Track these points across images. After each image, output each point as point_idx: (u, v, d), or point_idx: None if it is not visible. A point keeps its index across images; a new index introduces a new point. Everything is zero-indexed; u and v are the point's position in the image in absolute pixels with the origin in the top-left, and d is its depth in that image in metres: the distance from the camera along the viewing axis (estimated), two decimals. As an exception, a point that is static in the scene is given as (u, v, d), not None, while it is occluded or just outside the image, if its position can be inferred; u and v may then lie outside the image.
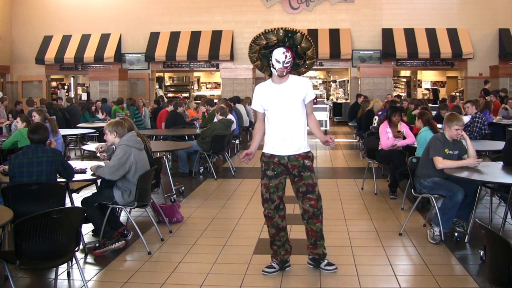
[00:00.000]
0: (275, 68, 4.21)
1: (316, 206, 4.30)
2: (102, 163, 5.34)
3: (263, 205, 4.36)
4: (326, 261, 4.44)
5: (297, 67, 4.41)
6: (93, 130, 11.18)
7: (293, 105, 4.25)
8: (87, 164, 5.50)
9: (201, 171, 9.29)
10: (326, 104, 17.68)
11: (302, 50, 4.28)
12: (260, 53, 4.34)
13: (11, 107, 14.10)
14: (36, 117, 7.72)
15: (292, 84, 4.28)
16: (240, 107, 12.93)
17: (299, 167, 4.26)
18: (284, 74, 4.22)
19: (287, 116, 4.24)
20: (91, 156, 10.33)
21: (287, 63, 4.18)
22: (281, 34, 4.21)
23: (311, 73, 23.40)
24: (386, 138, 7.25)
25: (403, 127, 7.38)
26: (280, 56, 4.17)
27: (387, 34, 19.44)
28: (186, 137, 9.69)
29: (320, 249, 4.43)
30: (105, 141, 5.45)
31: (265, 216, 4.39)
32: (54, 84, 22.67)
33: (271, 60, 4.23)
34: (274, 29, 4.23)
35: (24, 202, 4.47)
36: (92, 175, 5.19)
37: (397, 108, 7.67)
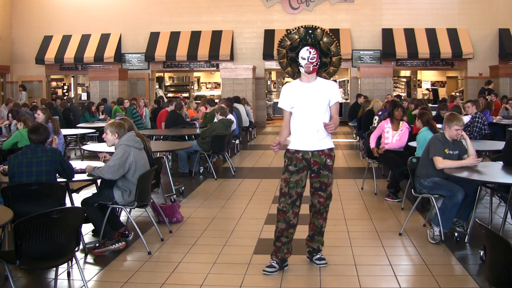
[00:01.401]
0: (302, 66, 4.34)
1: (323, 204, 4.46)
2: (98, 164, 5.34)
3: (280, 199, 4.41)
4: (318, 255, 4.60)
5: (325, 66, 4.50)
6: (93, 130, 11.19)
7: (319, 104, 4.35)
8: (86, 165, 5.49)
9: (201, 171, 9.29)
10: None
11: (326, 46, 4.39)
12: (288, 57, 4.48)
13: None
14: (40, 116, 7.66)
15: (319, 85, 4.40)
16: (239, 107, 12.92)
17: (320, 164, 4.37)
18: (311, 69, 4.32)
19: (312, 113, 4.35)
20: (91, 156, 10.33)
21: (312, 58, 4.30)
22: (301, 31, 4.37)
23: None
24: (376, 136, 7.46)
25: (404, 127, 7.39)
26: (304, 53, 4.32)
27: (387, 34, 19.44)
28: (186, 137, 9.69)
29: (315, 244, 4.59)
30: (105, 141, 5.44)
31: (278, 210, 4.41)
32: (54, 84, 22.66)
33: (298, 61, 4.36)
34: (295, 28, 4.41)
35: (24, 202, 4.47)
36: (88, 175, 5.18)
37: (399, 104, 7.73)
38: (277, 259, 4.44)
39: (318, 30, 4.37)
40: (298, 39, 4.38)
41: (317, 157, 4.36)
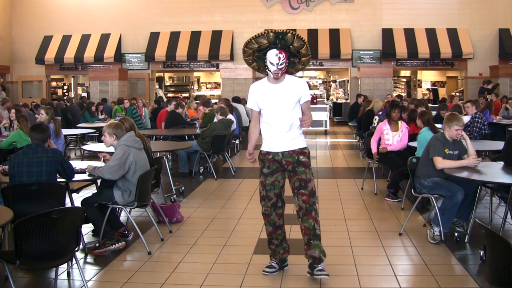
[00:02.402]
0: (270, 70, 4.21)
1: (308, 202, 4.20)
2: (98, 164, 5.34)
3: (261, 202, 4.38)
4: (320, 266, 4.18)
5: (293, 65, 4.40)
6: (93, 130, 11.19)
7: (287, 105, 4.24)
8: (87, 164, 5.50)
9: (201, 171, 9.29)
10: (326, 104, 17.68)
11: (296, 49, 4.26)
12: (255, 55, 4.36)
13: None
14: (43, 116, 7.59)
15: (288, 85, 4.28)
16: (239, 107, 12.92)
17: (293, 163, 4.25)
18: (280, 75, 4.21)
19: (281, 115, 4.25)
20: (91, 156, 10.34)
21: (281, 64, 4.16)
22: (271, 36, 4.16)
23: (311, 73, 23.43)
24: (376, 140, 7.41)
25: (403, 127, 7.38)
26: (273, 58, 4.16)
27: (387, 34, 19.45)
28: (186, 137, 9.69)
29: (315, 250, 4.18)
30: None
31: (262, 214, 4.40)
32: (54, 84, 22.67)
33: (266, 61, 4.23)
34: (265, 32, 4.21)
35: (24, 202, 4.47)
36: (88, 175, 5.18)
37: (397, 104, 7.70)
38: (277, 260, 4.44)
39: (289, 35, 4.14)
40: (267, 44, 4.19)
41: (288, 157, 4.25)
